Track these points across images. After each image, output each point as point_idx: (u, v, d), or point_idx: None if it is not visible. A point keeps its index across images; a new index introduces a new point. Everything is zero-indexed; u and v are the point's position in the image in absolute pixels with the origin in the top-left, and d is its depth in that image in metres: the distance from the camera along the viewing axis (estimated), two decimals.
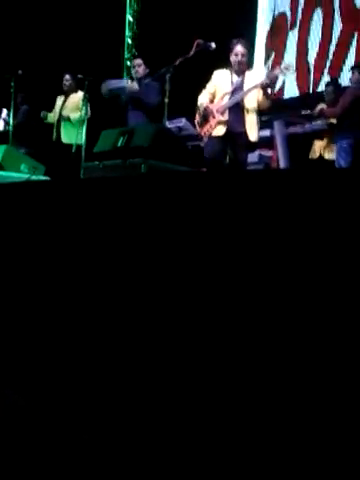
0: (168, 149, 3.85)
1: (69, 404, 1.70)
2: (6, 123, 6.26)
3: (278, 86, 6.78)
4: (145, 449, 1.43)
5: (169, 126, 5.60)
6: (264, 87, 4.52)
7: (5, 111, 6.36)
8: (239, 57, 4.61)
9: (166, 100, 4.70)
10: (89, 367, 1.74)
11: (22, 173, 4.74)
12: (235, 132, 4.55)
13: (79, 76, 5.58)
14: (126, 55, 8.74)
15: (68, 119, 6.00)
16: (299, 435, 1.20)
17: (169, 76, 4.79)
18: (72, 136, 5.84)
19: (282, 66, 4.66)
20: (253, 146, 4.72)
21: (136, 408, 1.54)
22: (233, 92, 4.60)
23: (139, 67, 5.52)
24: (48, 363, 1.89)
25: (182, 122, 6.38)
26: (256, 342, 1.32)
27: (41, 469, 1.36)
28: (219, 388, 1.37)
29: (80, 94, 5.94)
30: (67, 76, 6.07)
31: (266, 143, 6.13)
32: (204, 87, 4.76)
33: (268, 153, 6.27)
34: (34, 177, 4.56)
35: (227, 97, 4.61)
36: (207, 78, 4.75)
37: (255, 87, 4.52)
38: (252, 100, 4.56)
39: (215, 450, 1.33)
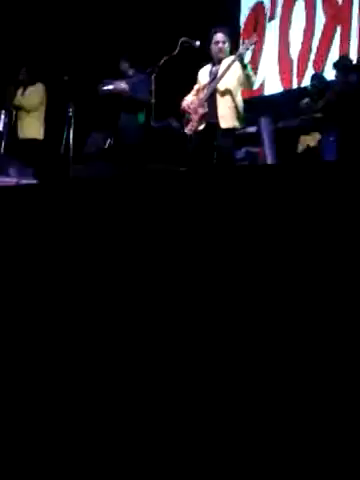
0: (157, 149, 3.85)
1: (72, 399, 1.71)
2: (5, 124, 6.17)
3: (258, 84, 6.63)
4: (145, 443, 1.45)
5: (156, 126, 5.60)
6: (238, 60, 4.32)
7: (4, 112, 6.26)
8: (220, 44, 4.45)
9: (152, 100, 4.68)
10: (89, 364, 1.74)
11: (10, 177, 4.72)
12: (212, 123, 4.40)
13: (65, 77, 5.54)
14: None
15: (21, 105, 5.75)
16: (298, 434, 1.22)
17: (154, 76, 4.78)
18: (30, 130, 5.68)
19: (246, 42, 4.55)
20: (228, 133, 4.42)
21: (136, 402, 1.55)
22: (210, 82, 4.45)
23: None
24: (49, 360, 1.89)
25: (169, 122, 6.38)
26: (254, 337, 1.33)
27: (47, 457, 1.41)
28: (219, 380, 1.38)
29: (38, 85, 5.86)
30: (23, 69, 5.96)
31: (253, 139, 6.12)
32: (190, 87, 4.69)
33: (255, 149, 6.27)
34: (23, 181, 4.55)
35: (206, 89, 4.46)
36: (193, 77, 4.72)
37: (228, 68, 4.35)
38: (226, 82, 4.38)
39: (214, 443, 1.34)
